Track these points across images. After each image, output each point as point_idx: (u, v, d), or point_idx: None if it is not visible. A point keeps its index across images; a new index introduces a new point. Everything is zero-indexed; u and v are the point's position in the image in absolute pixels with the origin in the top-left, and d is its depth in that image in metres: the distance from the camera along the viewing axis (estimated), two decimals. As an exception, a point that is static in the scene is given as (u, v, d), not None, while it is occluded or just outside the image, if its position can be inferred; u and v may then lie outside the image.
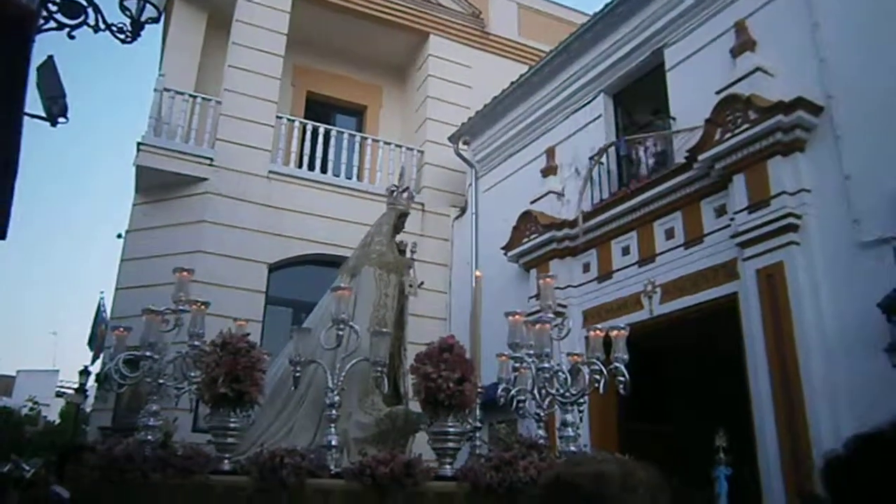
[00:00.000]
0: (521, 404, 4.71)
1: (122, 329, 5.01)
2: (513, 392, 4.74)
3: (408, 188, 6.50)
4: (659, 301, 7.91)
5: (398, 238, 6.34)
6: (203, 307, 4.88)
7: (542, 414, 4.67)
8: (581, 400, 4.59)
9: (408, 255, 6.22)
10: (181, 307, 4.90)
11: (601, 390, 4.69)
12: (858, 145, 6.24)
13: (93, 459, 4.19)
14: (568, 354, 4.88)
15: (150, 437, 4.51)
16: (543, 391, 4.66)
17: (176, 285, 5.04)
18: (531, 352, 4.70)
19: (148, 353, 4.69)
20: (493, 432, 4.41)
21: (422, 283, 6.29)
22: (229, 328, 4.68)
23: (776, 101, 6.61)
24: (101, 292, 16.52)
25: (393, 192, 6.40)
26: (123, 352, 4.81)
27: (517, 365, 4.77)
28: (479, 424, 4.73)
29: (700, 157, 7.27)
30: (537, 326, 4.71)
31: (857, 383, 5.78)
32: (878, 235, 5.91)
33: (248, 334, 4.68)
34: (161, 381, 4.71)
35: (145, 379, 4.77)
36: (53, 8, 4.66)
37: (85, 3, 4.79)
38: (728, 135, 6.93)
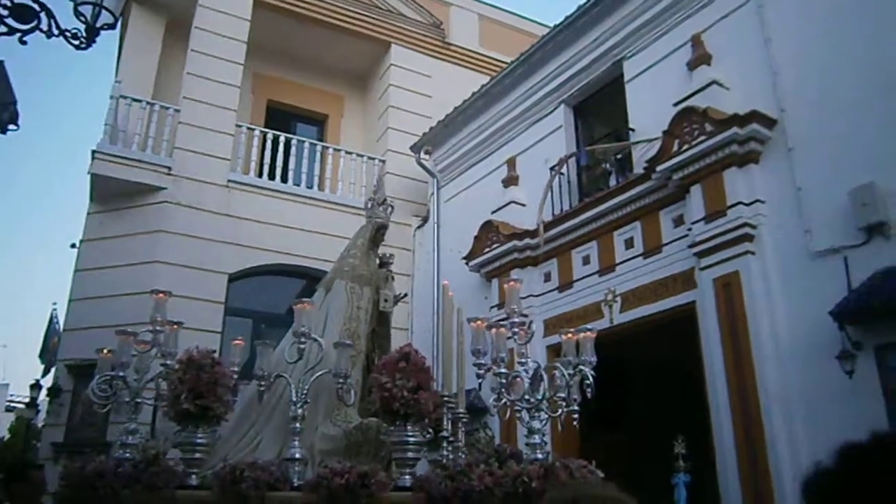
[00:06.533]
0: (490, 410, 4.71)
1: (106, 351, 4.96)
2: (473, 398, 4.73)
3: (385, 199, 6.40)
4: (619, 310, 8.02)
5: (381, 251, 6.29)
6: (175, 327, 4.89)
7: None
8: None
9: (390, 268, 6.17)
10: (157, 328, 4.94)
11: (570, 396, 4.71)
12: (810, 157, 6.43)
13: (65, 476, 4.19)
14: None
15: (127, 455, 4.52)
16: (502, 395, 4.64)
17: (153, 307, 5.07)
18: (503, 357, 4.68)
19: (122, 374, 4.68)
20: (473, 441, 4.36)
21: (404, 294, 6.22)
22: (196, 346, 4.66)
23: (731, 114, 6.77)
24: (54, 304, 16.12)
25: (370, 204, 6.32)
26: (107, 372, 4.80)
27: (480, 371, 4.76)
28: (445, 434, 4.71)
29: (658, 168, 7.40)
30: (493, 330, 4.70)
31: (810, 389, 5.94)
32: (829, 245, 6.09)
33: (215, 351, 4.65)
34: (139, 400, 4.71)
35: (124, 399, 4.78)
36: (4, 12, 4.53)
37: (38, 8, 4.64)
38: (685, 146, 7.08)
